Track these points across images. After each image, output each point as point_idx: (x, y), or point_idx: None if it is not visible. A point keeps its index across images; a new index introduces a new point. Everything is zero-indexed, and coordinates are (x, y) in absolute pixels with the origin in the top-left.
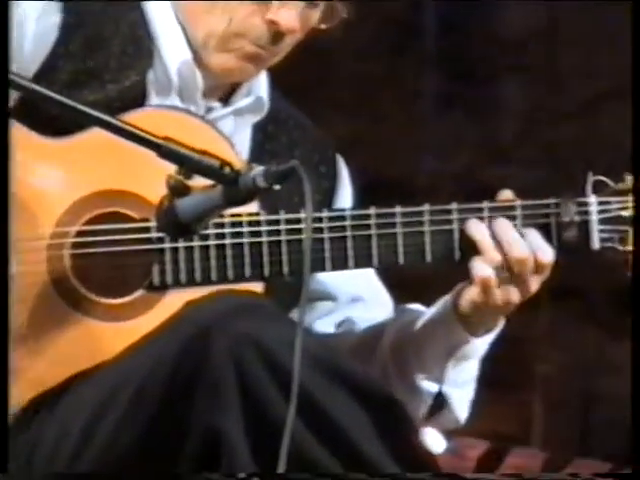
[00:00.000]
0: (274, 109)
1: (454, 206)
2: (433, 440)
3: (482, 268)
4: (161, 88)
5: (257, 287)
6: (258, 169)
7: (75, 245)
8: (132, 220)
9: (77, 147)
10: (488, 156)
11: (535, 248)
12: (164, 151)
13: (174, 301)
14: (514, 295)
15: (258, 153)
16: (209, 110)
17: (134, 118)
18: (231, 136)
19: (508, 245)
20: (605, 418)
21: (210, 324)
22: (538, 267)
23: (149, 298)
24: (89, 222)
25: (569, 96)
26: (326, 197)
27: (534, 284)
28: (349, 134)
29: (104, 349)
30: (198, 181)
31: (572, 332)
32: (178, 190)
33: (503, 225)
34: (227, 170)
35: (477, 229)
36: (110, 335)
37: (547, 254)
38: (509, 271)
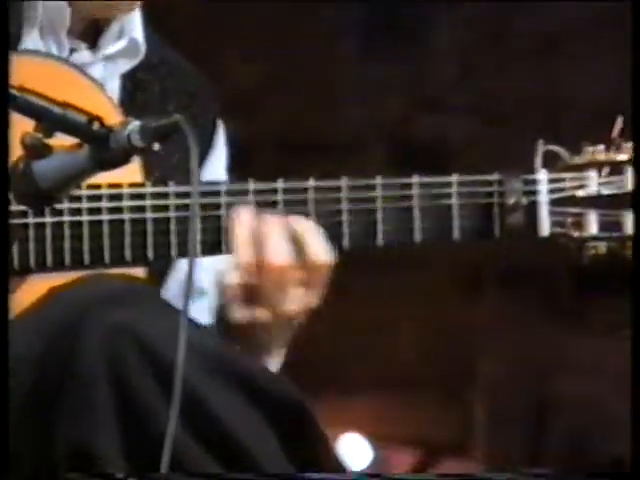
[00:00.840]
0: (146, 55)
1: (374, 180)
2: (356, 448)
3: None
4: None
5: (138, 272)
6: (134, 125)
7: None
8: None
9: None
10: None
11: (307, 251)
12: (19, 103)
13: (36, 288)
14: (262, 314)
15: (129, 105)
16: (72, 52)
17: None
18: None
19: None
20: (560, 423)
21: (78, 314)
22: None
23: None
24: None
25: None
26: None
27: (296, 300)
28: (253, 82)
29: None
30: (60, 140)
31: (519, 326)
32: (36, 150)
33: (271, 220)
34: (96, 126)
35: (239, 220)
36: None
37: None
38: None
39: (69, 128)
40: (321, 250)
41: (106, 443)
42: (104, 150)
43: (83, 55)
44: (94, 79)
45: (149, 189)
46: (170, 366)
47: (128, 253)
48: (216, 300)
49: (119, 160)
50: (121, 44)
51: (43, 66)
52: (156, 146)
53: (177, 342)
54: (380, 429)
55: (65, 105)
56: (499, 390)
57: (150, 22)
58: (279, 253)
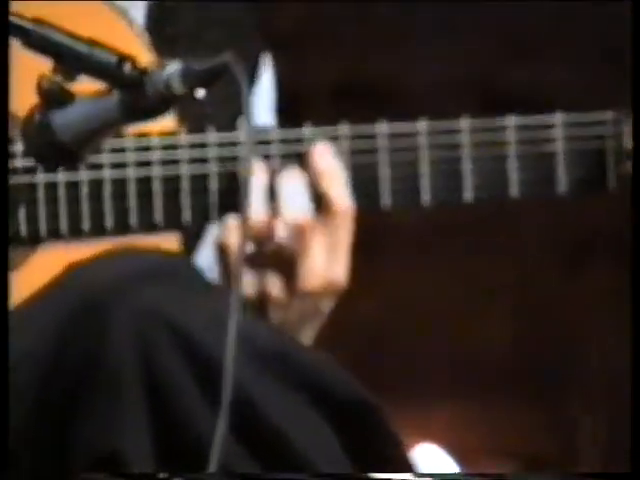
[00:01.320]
0: None
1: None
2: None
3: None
4: None
5: (170, 240)
6: (173, 67)
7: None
8: None
9: None
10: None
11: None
12: (35, 39)
13: (49, 260)
14: (274, 286)
15: (156, 40)
16: None
17: None
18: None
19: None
20: None
21: (102, 295)
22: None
23: (14, 256)
24: None
25: None
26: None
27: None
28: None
29: None
30: (84, 84)
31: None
32: (55, 97)
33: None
34: (128, 68)
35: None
36: None
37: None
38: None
39: (95, 70)
40: (344, 198)
41: (136, 447)
42: (137, 97)
43: None
44: (117, 5)
45: (185, 138)
46: (210, 358)
47: (159, 216)
48: (217, 267)
49: (155, 109)
50: None
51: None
52: (200, 93)
53: (219, 329)
54: (463, 439)
55: (90, 41)
56: (612, 394)
57: None
58: (296, 208)
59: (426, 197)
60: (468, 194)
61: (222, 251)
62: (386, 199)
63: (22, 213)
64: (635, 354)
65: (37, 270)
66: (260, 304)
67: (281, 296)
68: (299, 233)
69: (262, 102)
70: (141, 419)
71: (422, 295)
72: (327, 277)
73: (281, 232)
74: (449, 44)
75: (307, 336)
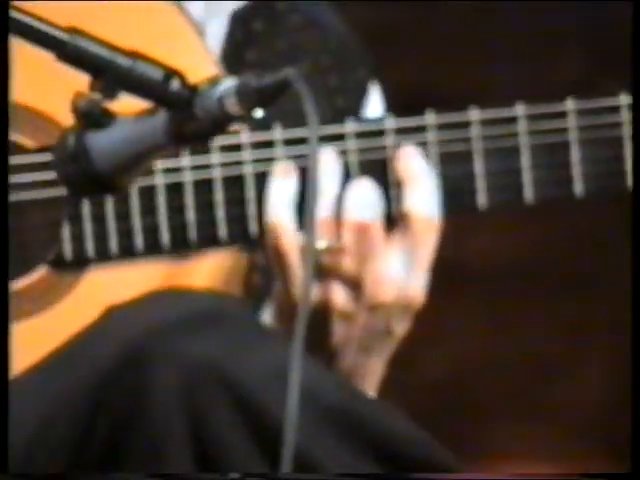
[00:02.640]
0: None
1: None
2: None
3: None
4: None
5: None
6: (227, 83)
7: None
8: (27, 151)
9: None
10: None
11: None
12: (71, 51)
13: (98, 287)
14: (339, 296)
15: (232, 66)
16: None
17: None
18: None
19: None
20: None
21: (146, 343)
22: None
23: (56, 281)
24: None
25: None
26: None
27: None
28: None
29: None
30: (126, 103)
31: None
32: (92, 118)
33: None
34: (175, 84)
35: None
36: None
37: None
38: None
39: (138, 86)
40: (428, 207)
41: None
42: (186, 118)
43: None
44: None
45: (247, 136)
46: (269, 417)
47: (222, 229)
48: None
49: (206, 132)
50: None
51: None
52: (258, 113)
53: (279, 383)
54: None
55: (134, 54)
56: None
57: None
58: (365, 208)
59: (529, 193)
60: (578, 187)
61: (277, 257)
62: (482, 197)
63: (66, 232)
64: (635, 354)
65: (84, 299)
66: (323, 316)
67: (347, 306)
68: (364, 235)
69: None
70: None
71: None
72: (402, 290)
73: (344, 234)
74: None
75: (377, 363)
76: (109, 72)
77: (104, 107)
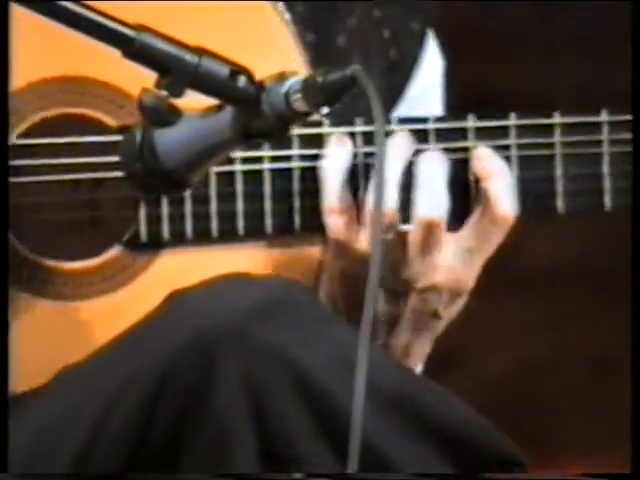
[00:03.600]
0: None
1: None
2: None
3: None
4: None
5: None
6: (293, 80)
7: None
8: (108, 130)
9: None
10: None
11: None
12: (138, 49)
13: (171, 271)
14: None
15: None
16: None
17: None
18: None
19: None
20: None
21: (212, 332)
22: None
23: (131, 260)
24: (34, 130)
25: None
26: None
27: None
28: None
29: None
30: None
31: None
32: (159, 115)
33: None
34: (242, 81)
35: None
36: (61, 321)
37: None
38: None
39: (204, 84)
40: (506, 202)
41: None
42: (252, 115)
43: None
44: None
45: (328, 129)
46: (332, 401)
47: (297, 219)
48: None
49: (272, 129)
50: None
51: None
52: (324, 110)
53: (343, 368)
54: None
55: (200, 50)
56: None
57: None
58: (434, 205)
59: (608, 200)
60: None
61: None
62: (561, 202)
63: (142, 214)
64: (635, 353)
65: (156, 281)
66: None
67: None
68: (429, 231)
69: (429, 90)
70: (253, 466)
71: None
72: (453, 276)
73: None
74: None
75: (425, 343)
76: (176, 69)
77: (171, 104)
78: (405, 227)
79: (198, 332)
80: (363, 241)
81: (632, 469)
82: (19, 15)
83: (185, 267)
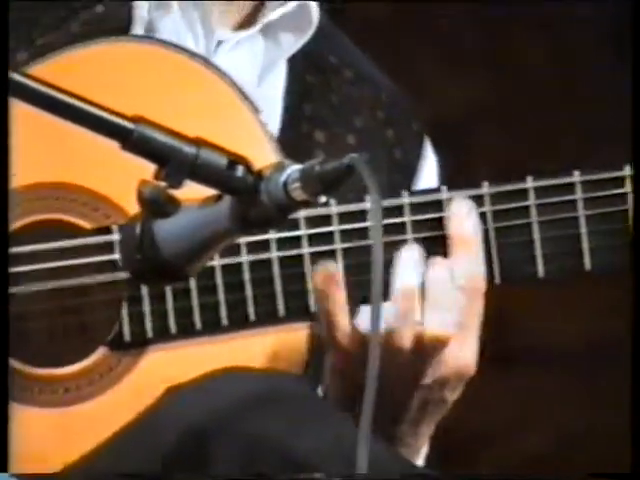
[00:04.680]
0: (318, 48)
1: None
2: None
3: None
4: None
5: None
6: (291, 169)
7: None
8: (84, 233)
9: None
10: None
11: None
12: (136, 139)
13: (158, 367)
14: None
15: (292, 119)
16: (219, 46)
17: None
18: (254, 87)
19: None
20: None
21: (207, 423)
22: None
23: (116, 361)
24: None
25: None
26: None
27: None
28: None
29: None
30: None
31: None
32: (159, 206)
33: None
34: (240, 171)
35: None
36: (55, 428)
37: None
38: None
39: (203, 174)
40: (476, 271)
41: None
42: (251, 205)
43: (231, 37)
44: (246, 96)
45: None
46: None
47: (281, 305)
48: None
49: (271, 217)
50: (285, 9)
51: (170, 65)
52: (322, 199)
53: (341, 460)
54: None
55: (198, 141)
56: None
57: (331, 14)
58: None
59: (588, 263)
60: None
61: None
62: (540, 266)
63: (124, 313)
64: (635, 354)
65: (143, 379)
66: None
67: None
68: (437, 348)
69: (430, 170)
70: None
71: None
72: (457, 363)
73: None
74: None
75: (427, 428)
76: (174, 160)
77: (169, 195)
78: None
79: (194, 427)
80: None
81: (632, 469)
82: None
83: (171, 362)
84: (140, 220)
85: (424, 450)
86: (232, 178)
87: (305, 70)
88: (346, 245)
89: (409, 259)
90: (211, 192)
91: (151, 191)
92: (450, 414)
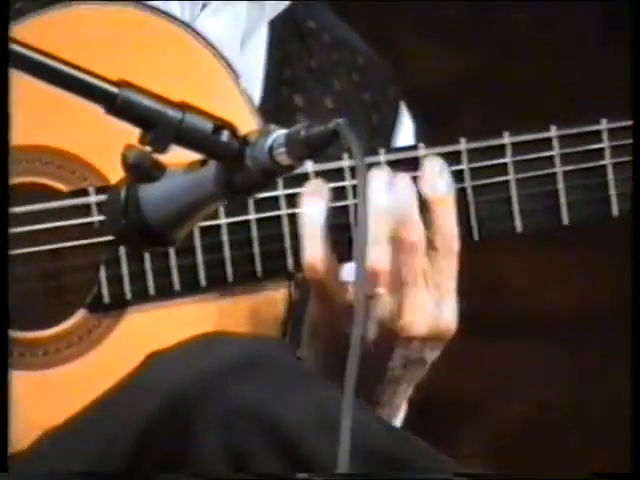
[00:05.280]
0: (297, 13)
1: None
2: None
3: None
4: None
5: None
6: (277, 134)
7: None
8: (61, 196)
9: None
10: None
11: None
12: (120, 103)
13: (137, 329)
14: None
15: (272, 84)
16: (203, 9)
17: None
18: (239, 53)
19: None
20: None
21: (188, 390)
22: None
23: (96, 323)
24: None
25: None
26: None
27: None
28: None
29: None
30: (176, 155)
31: None
32: (143, 171)
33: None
34: (225, 136)
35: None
36: (35, 391)
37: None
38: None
39: (188, 138)
40: (454, 238)
41: None
42: (236, 170)
43: (214, 1)
44: (227, 61)
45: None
46: (314, 464)
47: (258, 264)
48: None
49: (256, 182)
50: None
51: (152, 30)
52: (307, 164)
53: (324, 426)
54: None
55: (183, 106)
56: None
57: None
58: (415, 227)
59: (565, 216)
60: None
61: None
62: (518, 222)
63: (103, 275)
64: (635, 355)
65: (123, 341)
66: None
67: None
68: (413, 255)
69: (406, 136)
70: None
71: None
72: (435, 322)
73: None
74: None
75: (406, 388)
76: (159, 125)
77: (154, 159)
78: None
79: (177, 393)
80: (347, 291)
81: (632, 469)
82: None
83: (151, 324)
84: (125, 185)
85: (402, 411)
86: (217, 143)
87: (285, 35)
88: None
89: (379, 181)
90: (196, 157)
91: (136, 156)
92: (431, 377)
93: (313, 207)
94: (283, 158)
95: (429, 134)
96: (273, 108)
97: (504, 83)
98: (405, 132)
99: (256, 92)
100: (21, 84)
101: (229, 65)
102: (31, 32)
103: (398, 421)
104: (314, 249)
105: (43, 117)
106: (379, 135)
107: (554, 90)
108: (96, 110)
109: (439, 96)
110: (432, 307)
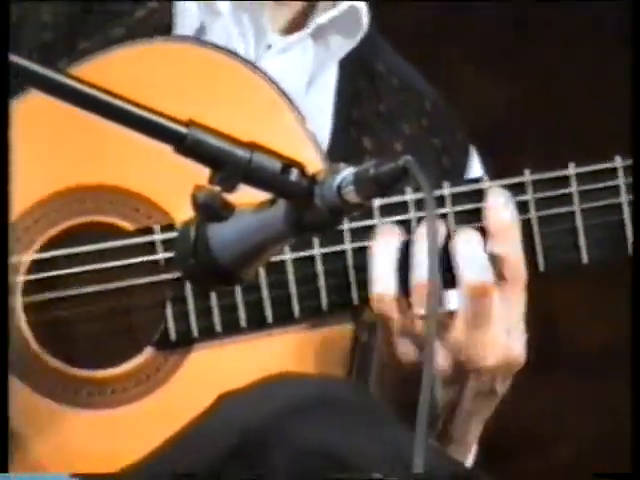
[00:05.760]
0: (365, 54)
1: None
2: None
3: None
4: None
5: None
6: (345, 173)
7: (28, 287)
8: (126, 234)
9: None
10: None
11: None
12: (190, 144)
13: (204, 366)
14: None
15: (341, 124)
16: (268, 49)
17: (117, 59)
18: (305, 93)
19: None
20: None
21: (262, 434)
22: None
23: (163, 361)
24: (51, 243)
25: None
26: None
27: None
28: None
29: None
30: (244, 194)
31: None
32: (213, 211)
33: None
34: (294, 175)
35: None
36: (104, 431)
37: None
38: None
39: (257, 178)
40: (521, 269)
41: None
42: (305, 209)
43: (282, 40)
44: (292, 102)
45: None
46: None
47: (324, 300)
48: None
49: (325, 222)
50: (335, 11)
51: (220, 69)
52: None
53: (398, 464)
54: None
55: (252, 145)
56: None
57: (377, 20)
58: (475, 271)
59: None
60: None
61: (383, 325)
62: (584, 254)
63: (169, 313)
64: (635, 354)
65: (190, 379)
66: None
67: (453, 372)
68: (483, 297)
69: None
70: None
71: None
72: (505, 352)
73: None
74: None
75: (477, 424)
76: (228, 164)
77: (223, 199)
78: (451, 306)
79: (247, 435)
80: (417, 325)
81: (632, 469)
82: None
83: (218, 361)
84: (194, 224)
85: (473, 449)
86: (286, 182)
87: (354, 75)
88: None
89: (471, 250)
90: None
91: (206, 196)
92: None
93: (385, 246)
94: (352, 196)
95: (494, 165)
96: (342, 150)
97: (561, 113)
98: (475, 174)
99: (323, 132)
100: (85, 123)
101: (294, 106)
102: (97, 72)
103: (469, 460)
104: (385, 284)
105: (107, 156)
106: (450, 177)
107: (618, 118)
108: (157, 146)
109: (498, 128)
110: (502, 338)
